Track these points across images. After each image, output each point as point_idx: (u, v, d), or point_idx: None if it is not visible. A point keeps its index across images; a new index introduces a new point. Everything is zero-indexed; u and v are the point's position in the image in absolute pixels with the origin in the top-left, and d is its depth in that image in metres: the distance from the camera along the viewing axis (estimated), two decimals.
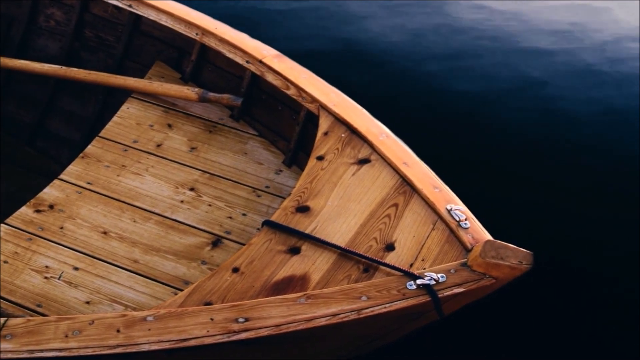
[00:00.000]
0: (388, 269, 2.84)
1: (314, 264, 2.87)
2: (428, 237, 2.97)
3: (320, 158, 3.37)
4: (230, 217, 3.51)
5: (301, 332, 2.61)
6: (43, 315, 3.01)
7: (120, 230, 3.40)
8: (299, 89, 3.76)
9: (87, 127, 4.56)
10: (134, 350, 2.53)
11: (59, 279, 3.16)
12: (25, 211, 3.45)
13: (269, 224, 3.04)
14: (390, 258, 2.89)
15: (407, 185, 3.22)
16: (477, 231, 2.96)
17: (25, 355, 2.52)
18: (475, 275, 2.73)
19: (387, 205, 3.13)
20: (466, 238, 2.92)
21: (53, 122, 4.70)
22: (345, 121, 3.54)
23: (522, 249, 2.73)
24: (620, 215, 4.55)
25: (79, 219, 3.43)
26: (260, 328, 2.58)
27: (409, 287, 2.70)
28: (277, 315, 2.61)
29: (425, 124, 5.26)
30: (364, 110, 3.62)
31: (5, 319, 2.62)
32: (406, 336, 3.02)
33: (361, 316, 2.63)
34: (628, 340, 3.84)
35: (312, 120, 3.77)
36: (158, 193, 3.59)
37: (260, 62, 3.93)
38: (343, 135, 3.49)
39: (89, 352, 2.52)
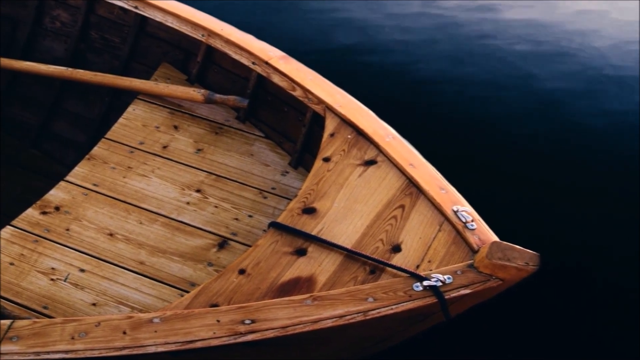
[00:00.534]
0: (394, 271, 2.83)
1: (320, 266, 2.87)
2: (434, 238, 2.97)
3: (326, 159, 3.37)
4: (236, 219, 3.51)
5: (307, 334, 2.61)
6: (49, 317, 3.01)
7: (126, 232, 3.40)
8: (305, 90, 3.76)
9: (92, 129, 4.56)
10: (140, 352, 2.53)
11: (65, 280, 3.16)
12: (31, 213, 3.45)
13: (275, 226, 3.03)
14: (397, 259, 2.88)
15: (413, 187, 3.21)
16: (483, 232, 2.96)
17: (32, 357, 2.52)
18: (481, 277, 2.72)
19: (394, 206, 3.12)
20: (473, 239, 2.92)
21: (58, 123, 4.70)
22: (352, 122, 3.53)
23: (528, 250, 2.72)
24: (621, 215, 4.55)
25: (85, 221, 3.43)
26: (266, 330, 2.58)
27: (415, 288, 2.70)
28: (284, 317, 2.61)
29: (432, 126, 5.25)
30: (370, 112, 3.62)
31: (12, 320, 2.62)
32: (412, 337, 3.02)
33: (367, 318, 2.62)
34: (628, 340, 3.84)
35: (318, 122, 3.77)
36: (164, 195, 3.59)
37: (267, 63, 3.93)
38: (349, 136, 3.49)
39: (95, 354, 2.52)
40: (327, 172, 3.30)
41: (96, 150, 3.80)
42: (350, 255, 2.91)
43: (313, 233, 3.00)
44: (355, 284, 2.80)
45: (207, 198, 3.59)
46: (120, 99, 4.49)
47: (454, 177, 3.56)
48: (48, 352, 2.53)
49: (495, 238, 2.94)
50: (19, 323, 2.62)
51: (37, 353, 2.53)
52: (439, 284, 2.70)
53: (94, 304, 3.07)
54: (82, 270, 3.20)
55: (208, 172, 3.73)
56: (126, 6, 4.38)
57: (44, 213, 3.45)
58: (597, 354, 3.77)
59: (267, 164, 3.81)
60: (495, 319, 3.89)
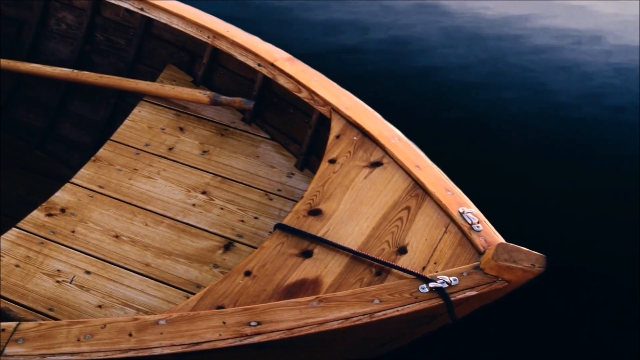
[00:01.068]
0: (400, 272, 2.83)
1: (326, 268, 2.86)
2: (440, 240, 2.96)
3: (332, 161, 3.36)
4: (242, 221, 3.51)
5: (313, 336, 2.61)
6: (55, 319, 3.01)
7: (132, 233, 3.40)
8: (311, 92, 3.75)
9: (98, 131, 4.56)
10: (146, 354, 2.53)
11: (70, 282, 3.16)
12: (36, 215, 3.45)
13: (281, 227, 3.03)
14: (403, 261, 2.88)
15: (419, 189, 3.21)
16: (489, 234, 2.95)
17: (37, 359, 2.52)
18: (487, 278, 2.72)
19: (400, 208, 3.12)
20: (479, 241, 2.91)
21: (64, 125, 4.70)
22: (357, 124, 3.53)
23: (534, 251, 2.72)
24: (621, 215, 4.55)
25: (90, 223, 3.43)
26: (272, 332, 2.57)
27: (421, 290, 2.70)
28: (290, 319, 2.61)
29: (437, 128, 5.25)
30: (376, 113, 3.61)
31: (17, 323, 2.62)
32: (418, 339, 3.02)
33: (373, 319, 2.62)
34: (629, 340, 3.83)
35: (324, 124, 3.76)
36: (170, 196, 3.59)
37: (272, 65, 3.92)
38: (355, 138, 3.48)
39: (101, 356, 2.52)
40: (333, 173, 3.30)
41: (102, 152, 3.80)
42: (356, 257, 2.91)
43: (319, 235, 3.00)
44: (361, 285, 2.79)
45: (212, 200, 3.59)
46: (126, 101, 4.50)
47: (460, 179, 3.56)
48: (54, 354, 2.53)
49: (501, 240, 2.94)
50: (25, 325, 2.62)
51: (43, 355, 2.52)
52: (445, 285, 2.70)
53: (99, 306, 3.07)
54: (88, 272, 3.20)
55: (214, 173, 3.73)
56: (132, 8, 4.38)
57: (49, 215, 3.45)
58: (597, 354, 3.77)
59: (272, 166, 3.81)
60: (500, 320, 3.89)
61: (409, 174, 3.28)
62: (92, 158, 3.76)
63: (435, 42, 6.25)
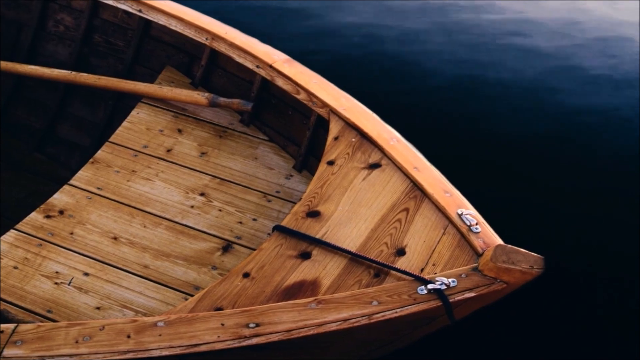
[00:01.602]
0: (399, 274, 2.83)
1: (324, 269, 2.86)
2: (439, 241, 2.96)
3: (330, 163, 3.37)
4: (240, 222, 3.51)
5: (312, 337, 2.60)
6: (53, 321, 3.01)
7: (130, 235, 3.40)
8: (310, 93, 3.75)
9: (96, 133, 4.56)
10: (144, 356, 2.53)
11: (69, 284, 3.15)
12: (35, 217, 3.45)
13: (279, 229, 3.03)
14: (401, 263, 2.88)
15: (417, 190, 3.21)
16: (488, 236, 2.95)
17: None
18: (486, 280, 2.72)
19: (398, 210, 3.12)
20: (477, 242, 2.91)
21: (62, 127, 4.70)
22: (356, 126, 3.53)
23: (533, 253, 2.72)
24: (621, 215, 4.55)
25: (89, 225, 3.43)
26: (271, 333, 2.57)
27: (420, 292, 2.70)
28: (288, 321, 2.61)
29: (435, 129, 5.25)
30: (375, 115, 3.62)
31: (16, 324, 2.62)
32: (417, 341, 3.01)
33: (372, 321, 2.62)
34: (629, 340, 3.83)
35: (322, 125, 3.77)
36: (168, 198, 3.59)
37: (271, 66, 3.92)
38: (353, 140, 3.48)
39: (100, 357, 2.52)
40: (332, 175, 3.30)
41: (100, 153, 3.80)
42: (355, 258, 2.91)
43: (317, 236, 3.00)
44: (359, 287, 2.79)
45: (211, 201, 3.59)
46: (124, 103, 4.49)
47: (458, 180, 3.55)
48: (52, 356, 2.53)
49: (499, 241, 2.94)
50: (23, 327, 2.62)
51: (42, 357, 2.52)
52: (444, 287, 2.70)
53: (98, 308, 3.07)
54: (86, 274, 3.20)
55: (212, 175, 3.73)
56: (130, 10, 4.38)
57: (48, 217, 3.45)
58: (597, 354, 3.77)
59: (271, 168, 3.81)
60: (499, 321, 3.89)
61: (407, 175, 3.28)
62: (91, 160, 3.76)
63: (435, 44, 6.25)
